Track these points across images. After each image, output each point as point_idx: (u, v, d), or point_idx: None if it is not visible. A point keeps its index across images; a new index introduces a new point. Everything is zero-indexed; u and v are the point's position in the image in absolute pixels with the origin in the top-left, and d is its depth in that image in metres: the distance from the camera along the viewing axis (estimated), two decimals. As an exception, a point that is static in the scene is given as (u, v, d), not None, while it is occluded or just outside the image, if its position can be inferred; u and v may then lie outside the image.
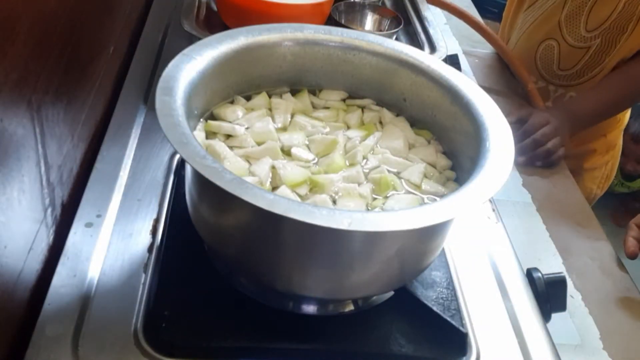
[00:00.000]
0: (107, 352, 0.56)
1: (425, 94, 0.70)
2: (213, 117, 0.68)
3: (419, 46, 1.07)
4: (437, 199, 0.62)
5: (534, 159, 1.07)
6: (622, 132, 1.40)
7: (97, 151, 0.78)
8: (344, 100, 0.75)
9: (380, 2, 1.21)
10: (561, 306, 0.71)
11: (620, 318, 0.83)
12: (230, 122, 0.67)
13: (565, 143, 1.10)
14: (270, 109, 0.71)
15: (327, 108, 0.74)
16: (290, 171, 0.61)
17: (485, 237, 0.77)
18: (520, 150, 1.06)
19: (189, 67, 0.61)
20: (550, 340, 0.65)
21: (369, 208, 0.60)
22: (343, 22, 1.09)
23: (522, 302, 0.69)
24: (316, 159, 0.66)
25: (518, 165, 1.06)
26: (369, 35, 0.73)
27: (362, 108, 0.74)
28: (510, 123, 0.62)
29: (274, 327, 0.61)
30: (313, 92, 0.75)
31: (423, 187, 0.64)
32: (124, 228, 0.68)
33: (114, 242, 0.67)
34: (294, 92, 0.74)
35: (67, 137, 0.71)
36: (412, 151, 0.69)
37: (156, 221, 0.70)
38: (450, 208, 0.51)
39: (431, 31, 1.09)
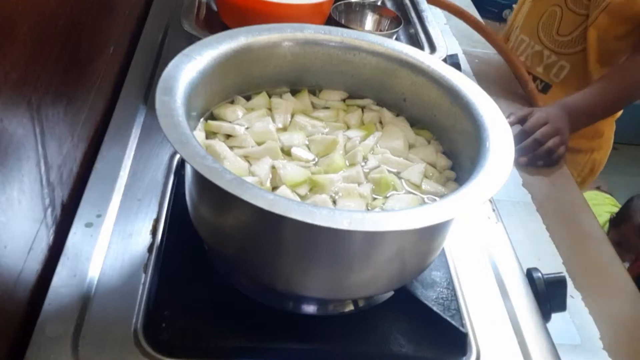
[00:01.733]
0: (107, 352, 0.56)
1: (425, 94, 0.70)
2: (213, 117, 0.68)
3: (419, 46, 1.07)
4: (437, 199, 0.62)
5: (535, 158, 1.07)
6: (614, 124, 1.41)
7: (97, 151, 0.78)
8: (344, 100, 0.75)
9: (380, 2, 1.21)
10: (561, 306, 0.71)
11: (620, 318, 0.83)
12: (230, 122, 0.67)
13: (566, 141, 1.10)
14: (270, 109, 0.71)
15: (327, 108, 0.74)
16: (290, 171, 0.61)
17: (485, 237, 0.77)
18: (521, 151, 1.06)
19: (189, 67, 0.61)
20: (550, 340, 0.65)
21: (369, 208, 0.60)
22: (343, 22, 1.09)
23: (522, 302, 0.69)
24: (316, 159, 0.66)
25: (518, 165, 1.06)
26: (369, 35, 0.73)
27: (362, 108, 0.74)
28: (511, 125, 0.62)
29: (274, 327, 0.60)
30: (313, 92, 0.75)
31: (423, 187, 0.64)
32: (124, 228, 0.68)
33: (114, 242, 0.67)
34: (294, 92, 0.74)
35: (67, 137, 0.71)
36: (412, 151, 0.69)
37: (156, 221, 0.70)
38: (450, 208, 0.51)
39: (431, 31, 1.09)
